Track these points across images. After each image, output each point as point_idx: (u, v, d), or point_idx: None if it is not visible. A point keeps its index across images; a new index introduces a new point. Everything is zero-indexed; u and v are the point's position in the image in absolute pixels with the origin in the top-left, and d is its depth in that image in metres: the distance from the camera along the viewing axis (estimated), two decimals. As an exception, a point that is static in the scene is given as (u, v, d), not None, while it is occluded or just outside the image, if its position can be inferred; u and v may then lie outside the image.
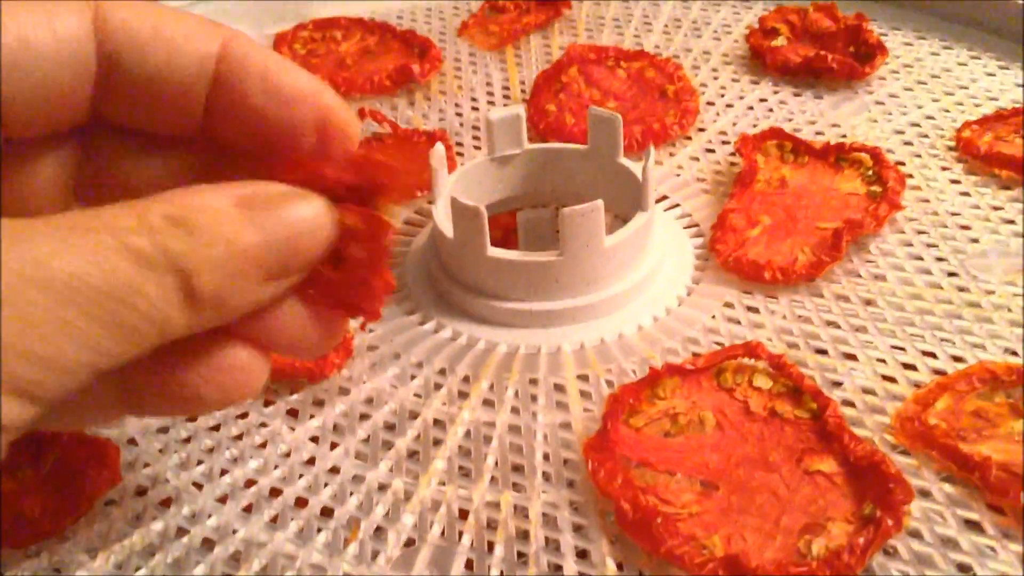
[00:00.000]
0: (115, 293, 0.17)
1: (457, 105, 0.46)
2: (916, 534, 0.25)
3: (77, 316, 0.17)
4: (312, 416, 0.30)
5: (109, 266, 0.17)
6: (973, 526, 0.25)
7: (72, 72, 0.20)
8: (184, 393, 0.20)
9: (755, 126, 0.42)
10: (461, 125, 0.44)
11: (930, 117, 0.42)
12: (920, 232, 0.36)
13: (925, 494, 0.26)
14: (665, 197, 0.39)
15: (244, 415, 0.30)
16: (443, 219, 0.34)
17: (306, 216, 0.20)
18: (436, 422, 0.30)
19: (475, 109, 0.45)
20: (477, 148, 0.43)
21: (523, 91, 0.46)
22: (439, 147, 0.35)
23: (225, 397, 0.20)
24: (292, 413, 0.31)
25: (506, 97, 0.46)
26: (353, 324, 0.34)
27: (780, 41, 0.46)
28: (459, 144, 0.43)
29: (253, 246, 0.19)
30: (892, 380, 0.30)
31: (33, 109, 0.20)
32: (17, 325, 0.16)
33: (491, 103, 0.46)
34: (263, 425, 0.30)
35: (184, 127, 0.22)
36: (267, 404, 0.31)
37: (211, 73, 0.21)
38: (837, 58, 0.44)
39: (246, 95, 0.21)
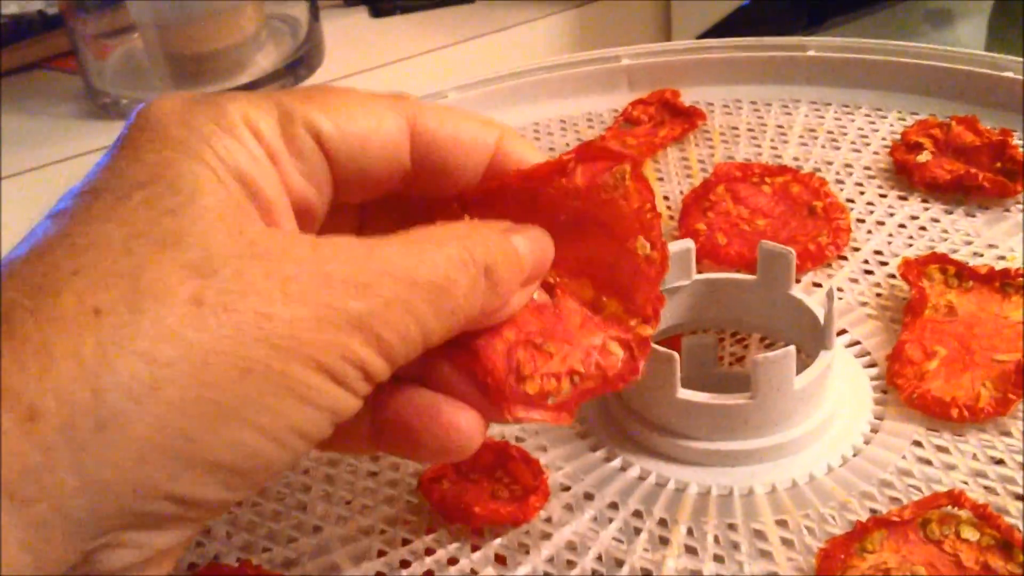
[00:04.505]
0: (442, 284, 0.24)
1: (606, 223, 0.47)
2: None
3: (419, 301, 0.24)
4: (519, 564, 0.31)
5: (441, 267, 0.24)
6: None
7: (389, 166, 0.27)
8: (410, 436, 0.26)
9: (910, 245, 0.43)
10: (613, 244, 0.45)
11: (1091, 238, 0.42)
12: (1102, 365, 0.36)
13: None
14: (831, 323, 0.40)
15: (454, 560, 0.31)
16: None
17: (544, 235, 0.28)
18: (644, 571, 0.30)
19: (624, 227, 0.46)
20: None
21: (668, 208, 0.47)
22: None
23: (442, 448, 0.26)
24: (500, 560, 0.31)
25: (653, 214, 0.47)
26: (545, 461, 0.34)
27: (925, 156, 0.47)
28: (614, 265, 0.44)
29: (525, 253, 0.27)
30: (1103, 532, 0.30)
31: (355, 188, 0.27)
32: (381, 306, 0.23)
33: (638, 220, 0.47)
34: (473, 572, 0.31)
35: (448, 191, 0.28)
36: (474, 550, 0.32)
37: (487, 164, 0.28)
38: (988, 176, 0.44)
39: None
